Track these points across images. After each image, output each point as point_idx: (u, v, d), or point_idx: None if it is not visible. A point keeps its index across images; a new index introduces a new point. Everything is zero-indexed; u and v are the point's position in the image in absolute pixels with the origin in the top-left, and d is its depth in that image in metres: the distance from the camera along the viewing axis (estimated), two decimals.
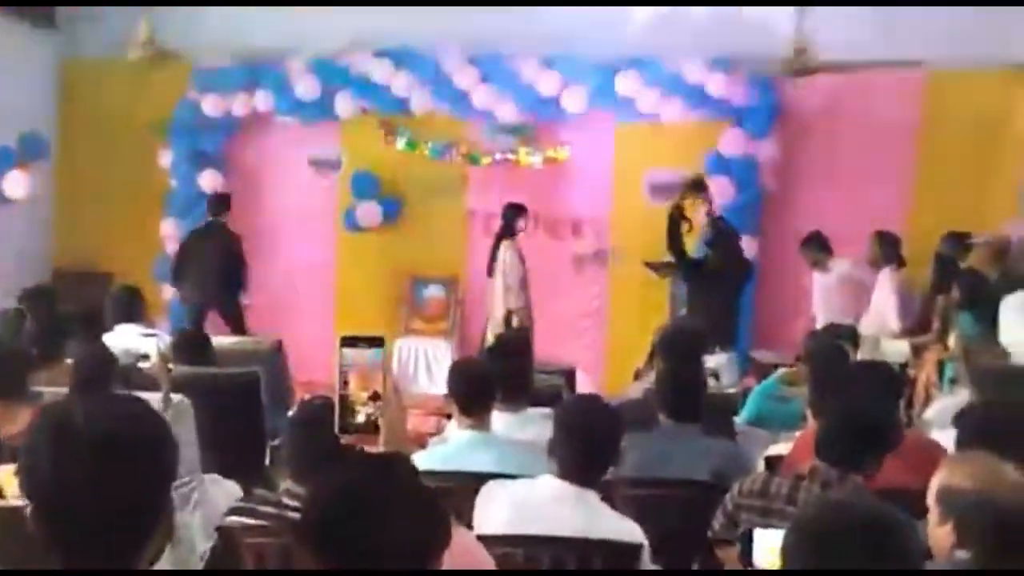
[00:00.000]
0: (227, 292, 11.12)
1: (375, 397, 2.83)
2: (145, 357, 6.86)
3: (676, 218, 9.06)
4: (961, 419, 4.09)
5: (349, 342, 2.82)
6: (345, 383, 2.82)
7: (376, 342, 2.83)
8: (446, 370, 5.35)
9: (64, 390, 5.62)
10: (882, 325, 9.32)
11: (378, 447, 2.83)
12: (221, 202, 11.31)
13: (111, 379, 5.70)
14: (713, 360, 8.48)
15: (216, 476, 6.44)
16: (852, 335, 7.23)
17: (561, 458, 4.12)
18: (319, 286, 12.39)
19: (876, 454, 4.03)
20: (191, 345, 7.50)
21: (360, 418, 2.83)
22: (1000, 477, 3.25)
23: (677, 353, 6.25)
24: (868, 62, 11.34)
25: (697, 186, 9.31)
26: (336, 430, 2.86)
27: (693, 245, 10.13)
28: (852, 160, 11.60)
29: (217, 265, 11.02)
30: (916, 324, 9.24)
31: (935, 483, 3.36)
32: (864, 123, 11.55)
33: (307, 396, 8.10)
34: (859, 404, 4.16)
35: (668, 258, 10.66)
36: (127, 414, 2.16)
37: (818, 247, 10.23)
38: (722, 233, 9.07)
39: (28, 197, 11.63)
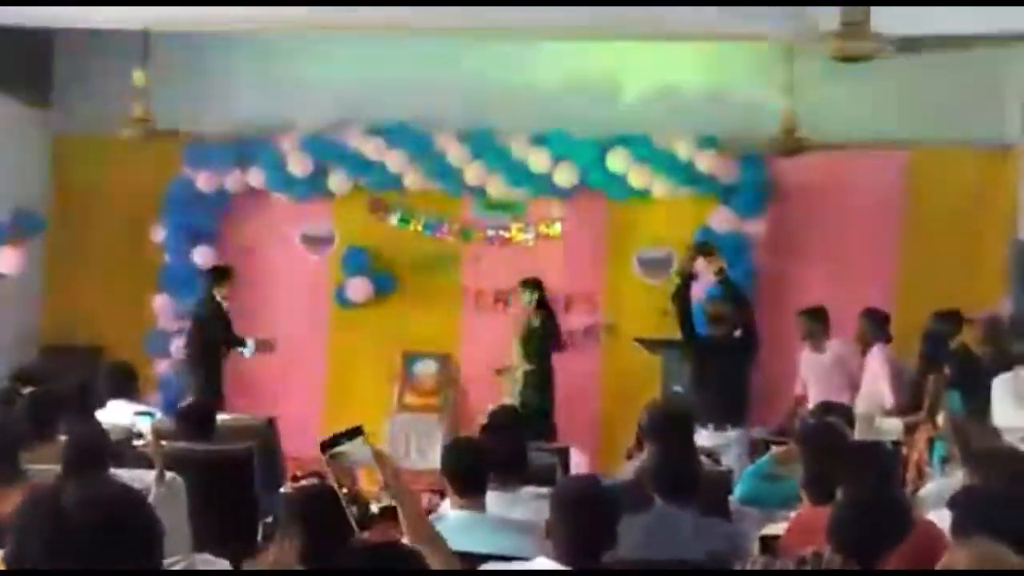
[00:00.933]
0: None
1: (385, 485, 2.83)
2: (139, 436, 6.83)
3: (686, 281, 9.01)
4: (957, 502, 4.07)
5: (330, 443, 2.83)
6: (353, 481, 2.80)
7: (355, 432, 2.85)
8: (438, 446, 5.34)
9: (56, 468, 5.59)
10: (876, 403, 9.32)
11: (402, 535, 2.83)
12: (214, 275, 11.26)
13: (104, 458, 5.66)
14: (719, 438, 8.46)
15: (207, 556, 6.37)
16: (847, 413, 7.22)
17: (559, 540, 4.09)
18: (311, 361, 12.37)
19: (892, 544, 4.01)
20: (197, 418, 7.48)
21: (375, 509, 2.84)
22: (1001, 561, 3.24)
23: (668, 433, 6.22)
24: (854, 141, 11.46)
25: (704, 248, 9.29)
26: (355, 527, 2.85)
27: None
28: (840, 237, 11.69)
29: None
30: (908, 402, 9.24)
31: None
32: (851, 201, 11.66)
33: (299, 474, 8.10)
34: (876, 492, 4.15)
35: (660, 334, 10.70)
36: (117, 502, 2.15)
37: (820, 322, 10.23)
38: (737, 295, 9.00)
39: (19, 273, 11.62)
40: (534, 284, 10.89)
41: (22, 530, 2.09)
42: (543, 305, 10.87)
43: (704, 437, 8.16)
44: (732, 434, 8.71)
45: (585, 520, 4.09)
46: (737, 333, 9.01)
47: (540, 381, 10.76)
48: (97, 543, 2.07)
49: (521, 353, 10.82)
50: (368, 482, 2.80)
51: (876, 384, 9.61)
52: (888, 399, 9.42)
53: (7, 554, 2.10)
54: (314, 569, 3.84)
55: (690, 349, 9.18)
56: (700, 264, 9.30)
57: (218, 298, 10.93)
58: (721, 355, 8.91)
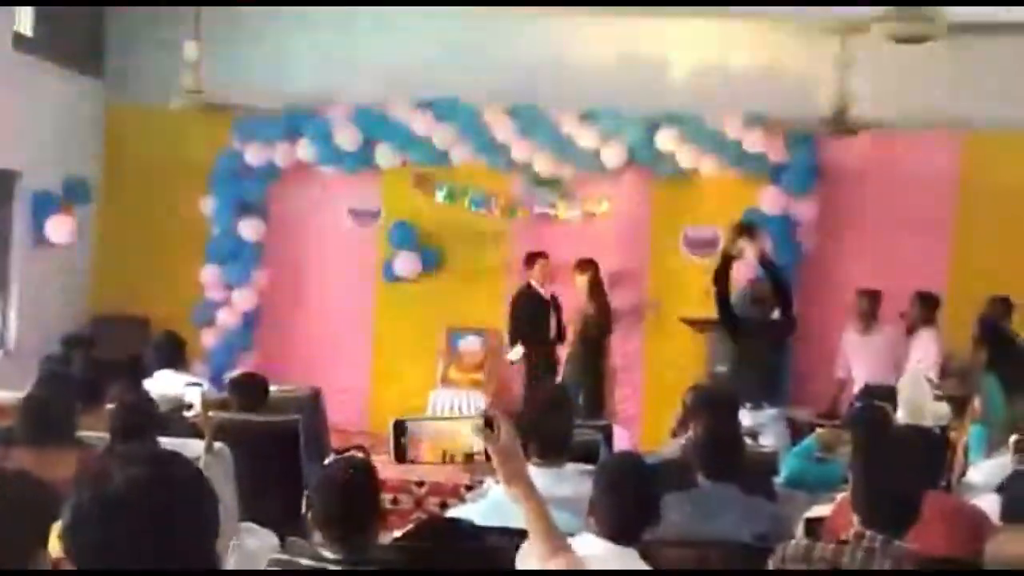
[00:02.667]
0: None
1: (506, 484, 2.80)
2: (188, 406, 6.89)
3: (727, 262, 9.00)
4: (1007, 487, 4.06)
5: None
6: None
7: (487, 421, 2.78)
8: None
9: (105, 435, 5.65)
10: (922, 385, 9.25)
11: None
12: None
13: (151, 427, 5.72)
14: (758, 417, 8.46)
15: (252, 525, 6.45)
16: (892, 396, 7.18)
17: (601, 517, 4.12)
18: (357, 335, 12.43)
19: (913, 522, 4.00)
20: (249, 389, 7.55)
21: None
22: None
23: (713, 413, 6.22)
24: (907, 122, 11.36)
25: (747, 230, 9.25)
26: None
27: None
28: (890, 220, 11.60)
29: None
30: (957, 386, 9.19)
31: (989, 552, 3.34)
32: (902, 183, 11.57)
33: (343, 447, 8.15)
34: (902, 471, 4.13)
35: (705, 314, 10.67)
36: (169, 475, 2.15)
37: (876, 303, 10.19)
38: (778, 277, 8.98)
39: (70, 242, 11.74)
40: (588, 266, 10.84)
41: (76, 510, 2.10)
42: (596, 288, 10.80)
43: (742, 416, 8.16)
44: (770, 412, 8.72)
45: (627, 497, 4.11)
46: (774, 314, 9.00)
47: (588, 364, 10.72)
48: (151, 518, 2.07)
49: (573, 335, 10.79)
50: (430, 453, 2.78)
51: (924, 365, 9.55)
52: (933, 379, 9.37)
53: (62, 528, 2.12)
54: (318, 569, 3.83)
55: (728, 329, 9.20)
56: (743, 245, 9.25)
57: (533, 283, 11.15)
58: (758, 336, 8.92)
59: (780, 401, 9.02)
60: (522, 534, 4.33)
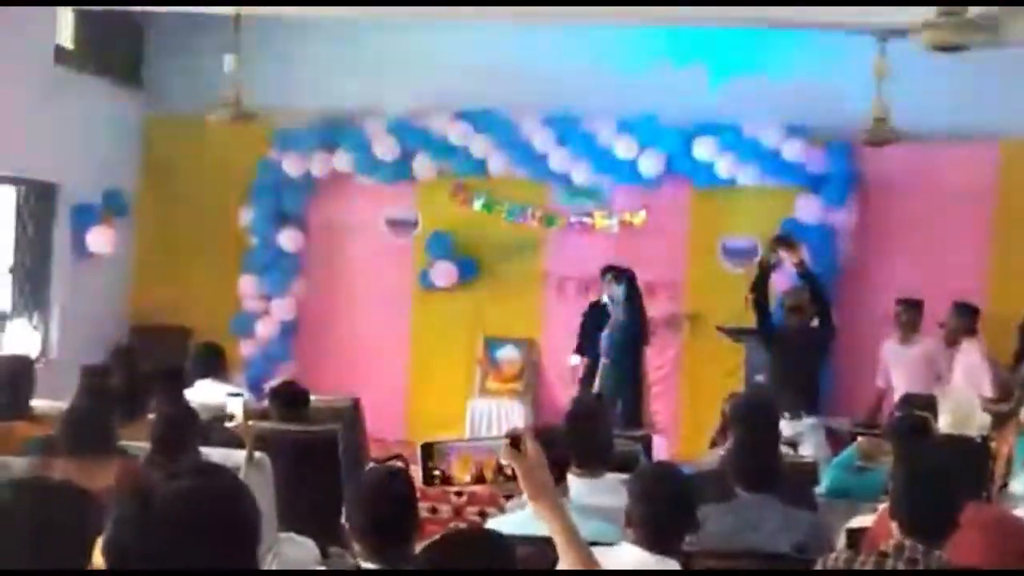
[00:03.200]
0: None
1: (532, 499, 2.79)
2: (230, 417, 6.92)
3: (765, 272, 8.98)
4: None
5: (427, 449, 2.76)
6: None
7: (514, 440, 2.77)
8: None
9: (146, 445, 5.69)
10: (971, 395, 9.20)
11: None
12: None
13: (192, 437, 5.75)
14: (797, 426, 8.43)
15: (292, 535, 6.48)
16: (932, 406, 7.15)
17: (637, 526, 4.12)
18: (395, 345, 12.46)
19: (952, 531, 3.98)
20: (290, 398, 7.58)
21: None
22: None
23: (752, 423, 6.19)
24: (945, 131, 11.31)
25: (785, 241, 9.23)
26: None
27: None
28: (928, 230, 11.55)
29: None
30: (997, 396, 9.15)
31: None
32: (941, 193, 11.51)
33: (381, 457, 8.16)
34: (942, 480, 4.11)
35: (743, 323, 10.65)
36: (211, 487, 2.16)
37: (919, 313, 10.14)
38: (816, 287, 8.95)
39: (110, 252, 11.83)
40: (622, 275, 10.74)
41: (117, 522, 2.11)
42: (632, 297, 10.69)
43: (781, 425, 8.12)
44: (808, 421, 8.69)
45: (662, 506, 4.12)
46: (813, 323, 8.98)
47: (624, 375, 10.63)
48: (192, 531, 2.08)
49: (607, 346, 10.72)
50: (459, 471, 2.76)
51: (974, 377, 9.49)
52: (987, 391, 9.31)
53: (105, 542, 2.12)
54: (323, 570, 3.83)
55: (766, 338, 9.19)
56: (782, 255, 9.24)
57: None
58: (796, 345, 8.90)
59: (819, 411, 8.99)
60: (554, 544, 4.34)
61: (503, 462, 2.73)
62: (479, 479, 2.74)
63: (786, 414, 8.37)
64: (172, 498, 2.08)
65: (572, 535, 2.82)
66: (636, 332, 10.67)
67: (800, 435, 8.41)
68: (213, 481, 2.18)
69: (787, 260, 9.25)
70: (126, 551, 2.08)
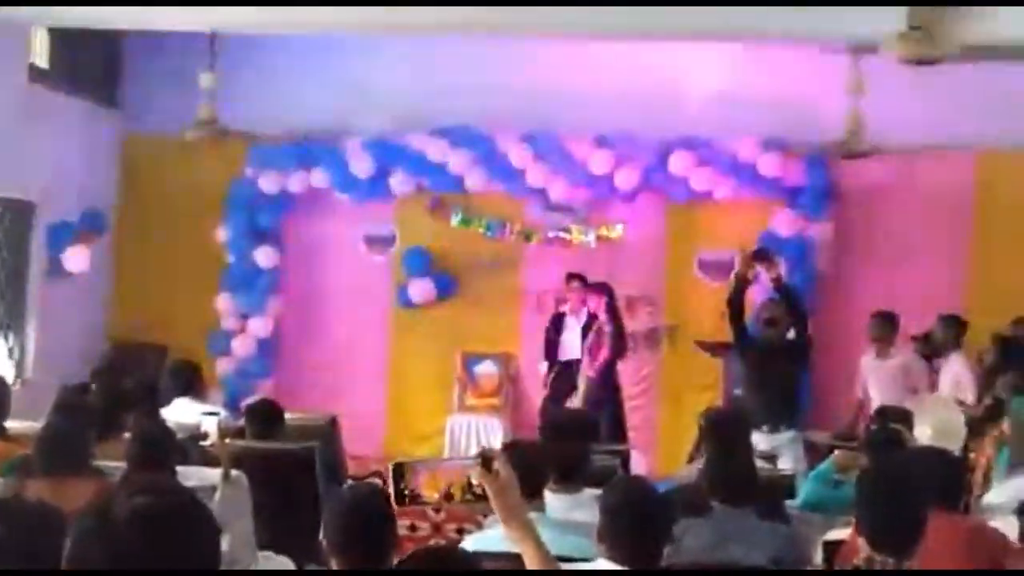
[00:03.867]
0: None
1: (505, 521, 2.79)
2: (205, 436, 6.91)
3: (741, 286, 8.99)
4: None
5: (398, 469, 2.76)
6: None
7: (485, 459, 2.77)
8: (498, 447, 5.32)
9: (122, 464, 5.66)
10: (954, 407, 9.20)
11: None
12: None
13: (169, 456, 5.73)
14: (775, 440, 8.43)
15: (269, 553, 6.45)
16: (907, 418, 7.17)
17: (610, 543, 4.10)
18: (372, 361, 12.45)
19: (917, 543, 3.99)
20: (265, 416, 7.56)
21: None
22: None
23: (724, 436, 6.23)
24: (920, 144, 11.37)
25: (761, 255, 9.24)
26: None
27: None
28: (905, 241, 11.62)
29: None
30: (973, 406, 9.18)
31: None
32: (917, 204, 11.60)
33: (359, 474, 8.16)
34: (906, 493, 4.11)
35: (721, 337, 10.67)
36: (167, 505, 2.17)
37: (892, 326, 10.16)
38: (794, 300, 8.96)
39: (87, 271, 11.79)
40: (603, 289, 10.80)
41: (77, 540, 2.11)
42: (611, 311, 10.74)
43: (759, 439, 8.14)
44: (786, 435, 8.67)
45: (633, 521, 4.09)
46: (790, 335, 8.99)
47: (608, 388, 10.66)
48: (148, 544, 2.09)
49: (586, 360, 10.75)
50: (428, 489, 2.76)
51: (957, 390, 9.52)
52: (971, 402, 9.33)
53: (66, 558, 2.13)
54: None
55: (742, 352, 9.18)
56: (759, 270, 9.24)
57: None
58: (774, 357, 8.90)
59: (797, 424, 8.99)
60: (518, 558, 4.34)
61: (474, 481, 2.72)
62: (448, 497, 2.74)
63: (764, 427, 8.41)
64: (129, 515, 2.09)
65: (542, 555, 2.83)
66: (617, 344, 10.70)
67: (778, 448, 8.41)
68: (171, 499, 2.18)
69: (764, 275, 9.25)
70: (84, 565, 2.08)
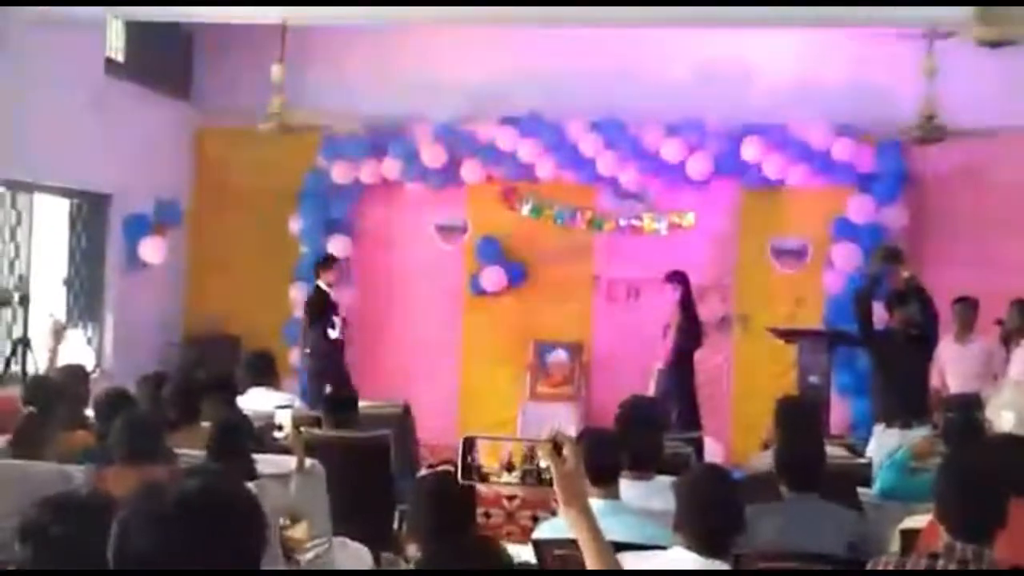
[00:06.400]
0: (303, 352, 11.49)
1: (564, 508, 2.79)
2: (279, 427, 6.98)
3: (871, 285, 8.87)
4: None
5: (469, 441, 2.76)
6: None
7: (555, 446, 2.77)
8: (571, 435, 5.32)
9: (199, 453, 5.74)
10: None
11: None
12: (317, 264, 11.56)
13: (248, 445, 5.80)
14: (904, 438, 8.18)
15: (345, 540, 6.52)
16: (981, 404, 7.08)
17: (685, 531, 4.10)
18: (445, 350, 12.50)
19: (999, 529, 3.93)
20: (340, 405, 7.64)
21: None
22: None
23: (797, 424, 6.21)
24: (996, 127, 11.20)
25: (894, 256, 9.13)
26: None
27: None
28: (981, 226, 11.45)
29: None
30: None
31: None
32: (992, 187, 11.43)
33: (433, 462, 8.21)
34: (986, 479, 4.06)
35: (794, 324, 10.62)
36: (215, 489, 2.19)
37: (973, 311, 10.03)
38: (923, 298, 8.82)
39: (163, 262, 11.94)
40: (679, 278, 10.73)
41: (123, 525, 2.14)
42: (686, 300, 10.67)
43: (892, 436, 8.00)
44: (919, 432, 8.45)
45: (710, 509, 4.09)
46: (913, 332, 8.82)
47: (684, 377, 10.60)
48: (190, 528, 2.11)
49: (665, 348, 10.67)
50: (489, 459, 2.76)
51: None
52: None
53: (111, 548, 2.15)
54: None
55: (873, 350, 9.01)
56: (892, 268, 9.10)
57: (323, 286, 11.19)
58: (904, 355, 8.71)
59: (928, 419, 8.72)
60: (616, 547, 4.34)
61: (542, 465, 2.73)
62: (508, 467, 2.74)
63: (897, 424, 8.21)
64: (178, 497, 2.12)
65: (599, 543, 2.84)
66: (692, 334, 10.64)
67: None
68: (221, 484, 2.21)
69: (897, 273, 9.10)
70: (128, 544, 2.11)
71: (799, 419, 6.31)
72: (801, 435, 5.71)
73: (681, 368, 10.57)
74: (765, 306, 11.70)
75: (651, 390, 10.34)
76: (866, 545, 4.67)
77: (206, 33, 12.70)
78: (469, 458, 2.71)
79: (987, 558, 3.82)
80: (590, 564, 2.84)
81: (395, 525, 7.28)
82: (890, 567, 4.05)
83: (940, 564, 3.88)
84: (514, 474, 2.76)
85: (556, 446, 2.72)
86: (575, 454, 2.74)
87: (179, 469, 5.25)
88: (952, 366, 9.96)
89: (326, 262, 11.46)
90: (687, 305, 10.63)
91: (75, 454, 5.73)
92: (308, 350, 11.37)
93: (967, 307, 10.03)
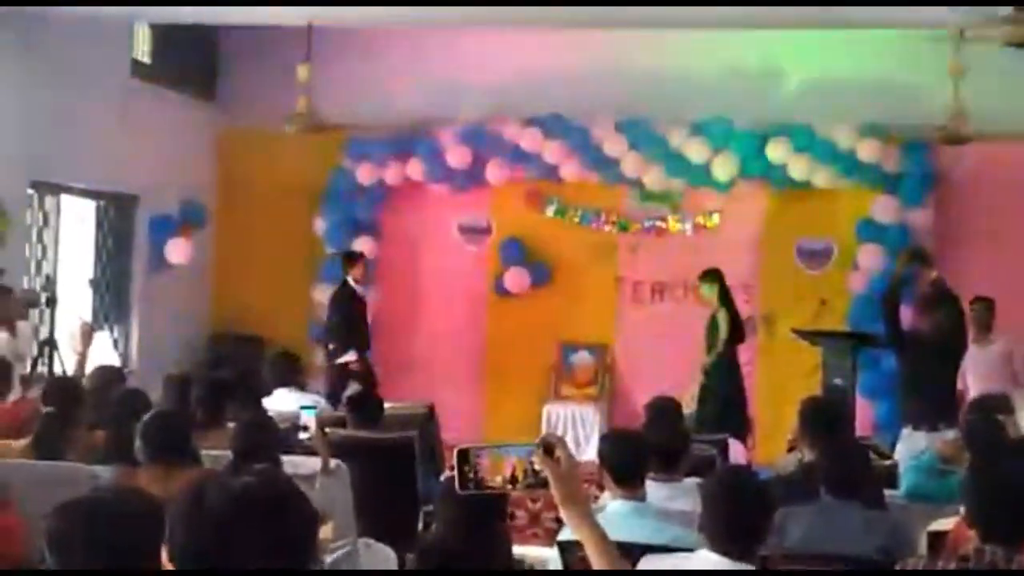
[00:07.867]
0: (327, 349, 11.47)
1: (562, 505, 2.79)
2: (304, 428, 6.99)
3: (898, 286, 8.83)
4: None
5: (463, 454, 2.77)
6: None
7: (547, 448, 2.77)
8: (595, 436, 5.33)
9: (225, 453, 5.75)
10: None
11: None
12: (345, 260, 11.57)
13: (273, 446, 5.80)
14: (931, 440, 8.12)
15: (370, 540, 6.53)
16: (1006, 406, 7.03)
17: (710, 532, 4.08)
18: (469, 351, 12.51)
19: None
20: (365, 406, 7.65)
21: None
22: None
23: (829, 425, 6.17)
24: (1022, 128, 11.14)
25: (921, 257, 9.08)
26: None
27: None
28: (1007, 228, 11.39)
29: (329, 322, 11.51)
30: None
31: None
32: (1019, 190, 11.35)
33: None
34: (1017, 482, 4.04)
35: (818, 325, 10.57)
36: (261, 488, 2.19)
37: (989, 312, 9.97)
38: (951, 300, 8.75)
39: (188, 263, 11.97)
40: (713, 276, 10.71)
41: (173, 516, 2.16)
42: (726, 296, 10.64)
43: (919, 438, 7.94)
44: (947, 434, 8.36)
45: (735, 511, 4.07)
46: (942, 339, 8.75)
47: (726, 373, 10.55)
48: (237, 528, 2.12)
49: (705, 346, 10.62)
50: (492, 473, 2.76)
51: None
52: None
53: (169, 547, 2.17)
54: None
55: (900, 351, 8.95)
56: (917, 270, 9.05)
57: (350, 281, 11.23)
58: (932, 357, 8.63)
59: (956, 422, 8.63)
60: (635, 548, 4.33)
61: (536, 467, 2.74)
62: (512, 481, 2.75)
63: (924, 426, 8.11)
64: (224, 496, 2.13)
65: (602, 543, 2.84)
66: (735, 330, 10.59)
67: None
68: (266, 482, 2.21)
69: (924, 274, 9.04)
70: (178, 547, 2.13)
71: (830, 421, 6.25)
72: (844, 439, 5.68)
73: (726, 364, 10.50)
74: (790, 307, 11.66)
75: (692, 391, 10.28)
76: (897, 547, 4.65)
77: (232, 35, 12.73)
78: (466, 468, 2.71)
79: (1017, 562, 3.80)
80: (595, 563, 2.85)
81: (419, 526, 7.29)
82: (919, 568, 4.04)
83: (971, 566, 3.87)
84: (518, 487, 2.77)
85: (547, 449, 2.73)
86: (568, 456, 2.75)
87: (213, 470, 5.28)
88: (971, 367, 9.90)
89: (352, 257, 11.50)
90: (726, 301, 10.58)
91: (99, 454, 5.75)
92: (331, 347, 11.38)
93: (984, 308, 9.97)
